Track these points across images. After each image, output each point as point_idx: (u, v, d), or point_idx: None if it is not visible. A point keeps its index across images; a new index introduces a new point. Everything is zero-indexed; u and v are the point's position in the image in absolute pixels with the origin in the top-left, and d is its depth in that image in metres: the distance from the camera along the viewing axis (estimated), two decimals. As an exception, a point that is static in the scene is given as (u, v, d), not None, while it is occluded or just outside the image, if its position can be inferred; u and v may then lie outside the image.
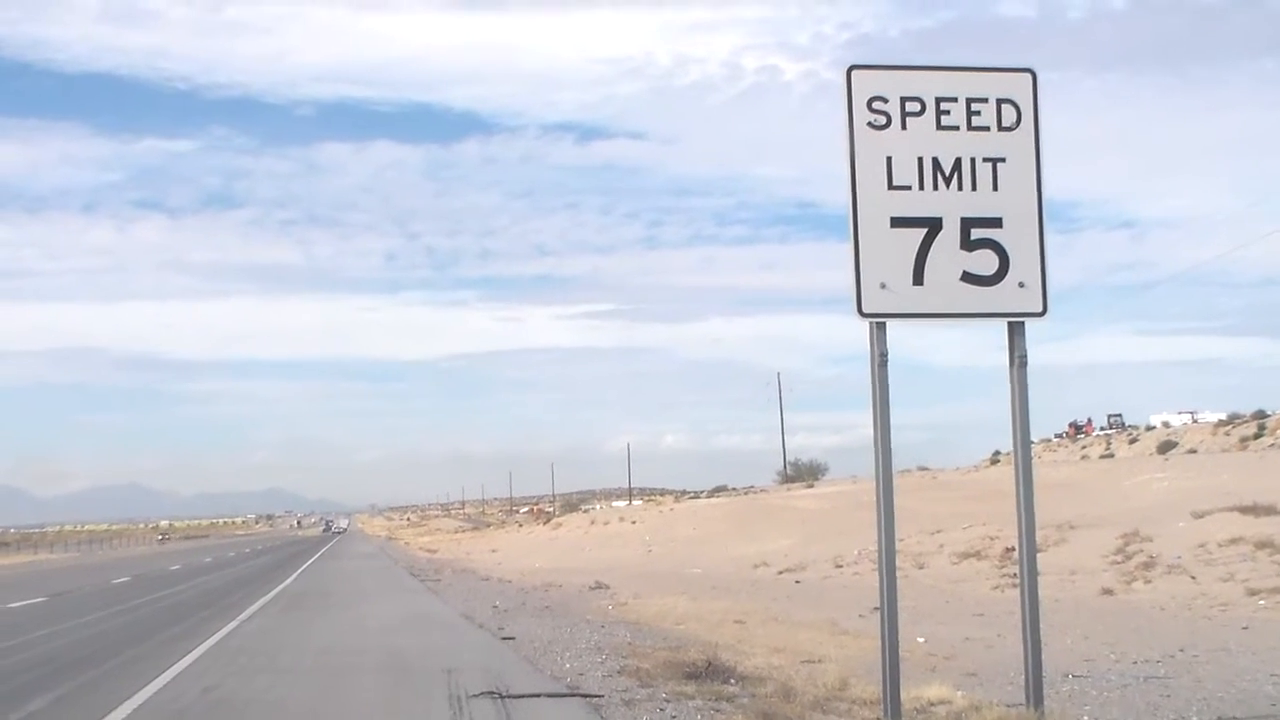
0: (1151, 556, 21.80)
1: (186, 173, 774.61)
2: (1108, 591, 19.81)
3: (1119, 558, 22.59)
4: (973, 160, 7.90)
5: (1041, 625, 8.01)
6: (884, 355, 7.77)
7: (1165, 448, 76.71)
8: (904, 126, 7.84)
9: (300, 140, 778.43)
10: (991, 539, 27.92)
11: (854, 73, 7.86)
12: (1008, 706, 8.25)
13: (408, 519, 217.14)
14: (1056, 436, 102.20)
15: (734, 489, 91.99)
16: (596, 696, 9.49)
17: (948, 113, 7.89)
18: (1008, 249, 7.90)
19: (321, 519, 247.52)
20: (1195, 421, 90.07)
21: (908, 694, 8.27)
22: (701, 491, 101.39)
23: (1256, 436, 72.80)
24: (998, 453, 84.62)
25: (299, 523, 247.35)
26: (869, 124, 7.83)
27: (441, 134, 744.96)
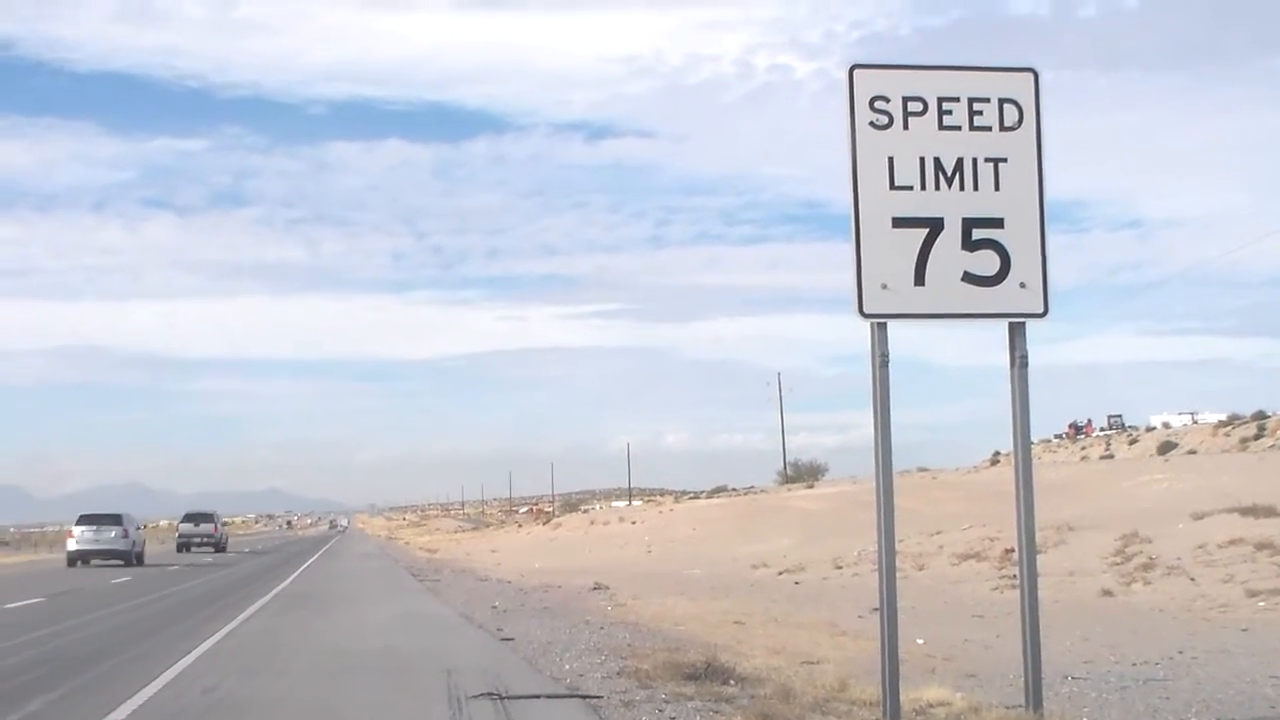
0: (1151, 558, 21.78)
1: (197, 171, 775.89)
2: (1107, 593, 19.78)
3: (1118, 559, 22.56)
4: (974, 160, 7.91)
5: (1041, 627, 8.01)
6: (885, 356, 7.77)
7: (1165, 448, 76.79)
8: (906, 126, 7.84)
9: (311, 139, 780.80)
10: (991, 540, 27.89)
11: (856, 72, 7.86)
12: (1007, 708, 8.23)
13: (407, 519, 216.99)
14: (1056, 437, 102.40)
15: (734, 489, 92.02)
16: (596, 697, 9.48)
17: (950, 112, 7.89)
18: (1009, 249, 7.90)
19: (321, 518, 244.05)
20: (1195, 422, 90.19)
21: (907, 695, 8.26)
22: (701, 492, 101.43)
23: (1257, 437, 72.87)
24: (998, 453, 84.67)
25: (289, 524, 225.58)
26: (871, 124, 7.83)
27: (452, 133, 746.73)
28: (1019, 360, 7.97)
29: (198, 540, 58.87)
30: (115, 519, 43.45)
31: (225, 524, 65.75)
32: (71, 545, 42.93)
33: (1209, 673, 11.21)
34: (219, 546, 59.41)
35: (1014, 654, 8.91)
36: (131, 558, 42.25)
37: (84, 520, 43.18)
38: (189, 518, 61.45)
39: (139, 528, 46.76)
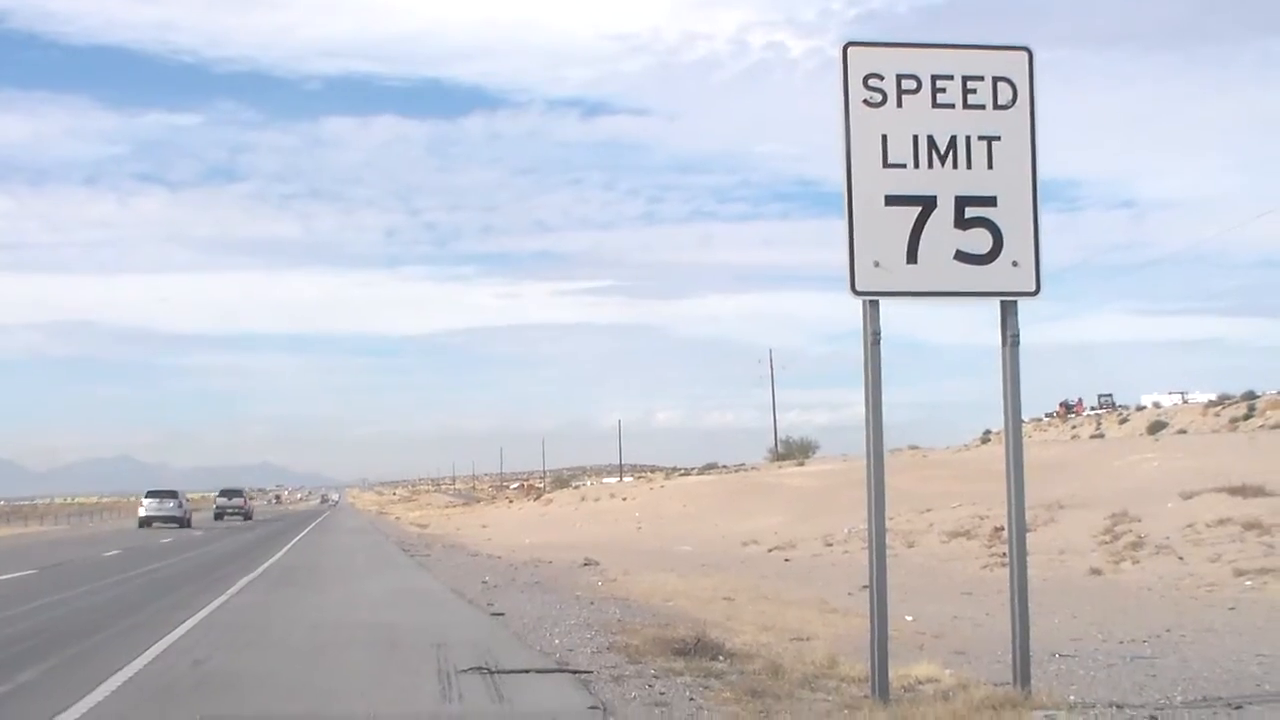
0: (1140, 537, 21.89)
1: (190, 146, 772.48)
2: (1096, 571, 19.89)
3: (1107, 538, 22.67)
4: (968, 139, 7.90)
5: (1029, 604, 8.04)
6: (877, 334, 7.77)
7: (1155, 428, 76.91)
8: (899, 104, 7.82)
9: (306, 115, 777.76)
10: (981, 518, 28.00)
11: (850, 50, 7.83)
12: (995, 685, 8.27)
13: (398, 494, 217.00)
14: (1047, 416, 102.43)
15: (725, 466, 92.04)
16: (585, 672, 9.51)
17: (944, 90, 7.87)
18: (1001, 228, 7.90)
19: (312, 492, 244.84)
20: (1185, 402, 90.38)
21: (896, 672, 8.29)
22: (692, 468, 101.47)
23: (1246, 417, 72.98)
24: (988, 432, 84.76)
25: (278, 498, 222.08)
26: (865, 101, 7.81)
27: (447, 109, 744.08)
28: (1010, 339, 7.98)
29: (230, 510, 72.43)
30: (173, 494, 58.62)
31: (251, 498, 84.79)
32: (141, 512, 56.94)
33: (1195, 651, 11.29)
34: (247, 516, 72.28)
35: (1003, 631, 8.95)
36: (184, 522, 55.65)
37: (150, 494, 58.70)
38: (224, 493, 77.14)
39: (189, 500, 61.85)
